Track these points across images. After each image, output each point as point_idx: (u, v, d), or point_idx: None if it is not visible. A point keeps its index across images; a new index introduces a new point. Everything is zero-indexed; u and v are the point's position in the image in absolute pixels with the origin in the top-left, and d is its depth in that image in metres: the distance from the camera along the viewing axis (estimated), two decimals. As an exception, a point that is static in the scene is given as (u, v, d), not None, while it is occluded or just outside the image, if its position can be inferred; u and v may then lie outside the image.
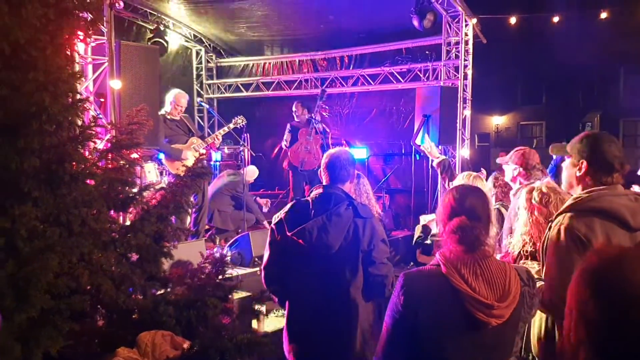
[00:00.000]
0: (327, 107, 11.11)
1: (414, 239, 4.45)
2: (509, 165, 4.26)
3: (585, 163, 2.60)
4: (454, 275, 2.12)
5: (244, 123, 7.68)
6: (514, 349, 2.25)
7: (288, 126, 8.69)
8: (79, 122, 2.91)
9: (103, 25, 5.11)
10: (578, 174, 2.63)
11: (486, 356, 2.17)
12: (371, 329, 3.24)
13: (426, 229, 4.39)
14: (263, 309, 3.86)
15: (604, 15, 9.67)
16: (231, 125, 7.60)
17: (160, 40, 9.49)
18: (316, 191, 3.33)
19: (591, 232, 2.47)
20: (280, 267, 3.29)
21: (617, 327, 1.18)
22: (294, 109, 8.77)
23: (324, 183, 3.37)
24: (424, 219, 4.55)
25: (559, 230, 2.54)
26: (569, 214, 2.56)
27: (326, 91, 9.06)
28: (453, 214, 2.26)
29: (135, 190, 3.32)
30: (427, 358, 2.20)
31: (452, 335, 2.14)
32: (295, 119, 8.73)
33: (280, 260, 3.28)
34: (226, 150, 10.10)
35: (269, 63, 11.54)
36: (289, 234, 3.15)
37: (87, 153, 2.98)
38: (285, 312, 3.38)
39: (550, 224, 2.69)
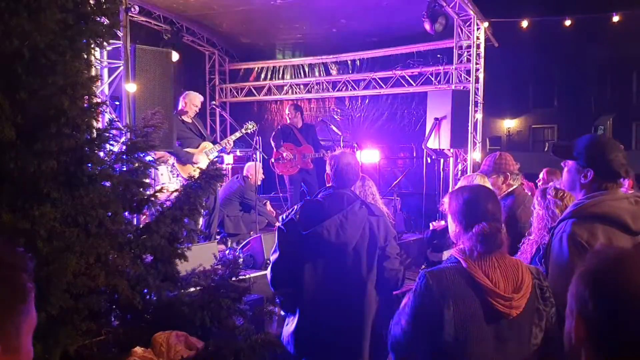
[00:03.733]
0: (339, 110, 11.15)
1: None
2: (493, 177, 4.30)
3: (592, 171, 2.59)
4: (476, 270, 2.21)
5: (254, 128, 7.70)
6: (534, 341, 2.30)
7: (280, 126, 8.68)
8: (96, 125, 2.96)
9: (119, 30, 5.17)
10: (583, 180, 2.62)
11: (505, 347, 2.24)
12: (379, 323, 3.30)
13: (435, 232, 4.53)
14: (276, 310, 3.89)
15: (616, 18, 9.62)
16: (242, 131, 7.62)
17: (174, 44, 9.57)
18: (325, 192, 3.38)
19: (593, 238, 2.47)
20: (292, 268, 3.30)
21: (617, 327, 1.20)
22: (286, 111, 8.78)
23: (331, 184, 3.41)
24: (432, 224, 4.68)
25: (561, 237, 2.55)
26: (570, 221, 2.56)
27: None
28: (475, 216, 2.33)
29: (149, 192, 3.36)
30: (450, 353, 2.26)
31: (474, 328, 2.22)
32: (288, 121, 8.75)
33: (292, 260, 3.29)
34: (238, 153, 10.14)
35: (281, 67, 11.60)
36: (305, 232, 3.18)
37: (103, 155, 3.02)
38: (296, 315, 3.35)
39: (552, 230, 2.70)
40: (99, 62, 5.37)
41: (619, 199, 2.57)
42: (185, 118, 7.04)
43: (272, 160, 8.33)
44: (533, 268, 2.40)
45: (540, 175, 5.63)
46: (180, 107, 7.05)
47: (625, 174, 2.61)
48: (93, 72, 3.26)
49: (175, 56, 8.67)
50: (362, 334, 3.28)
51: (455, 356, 2.26)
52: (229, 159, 9.81)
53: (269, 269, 3.39)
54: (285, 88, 11.35)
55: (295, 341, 3.31)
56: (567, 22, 10.22)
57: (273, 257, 3.35)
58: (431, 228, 4.60)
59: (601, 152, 2.60)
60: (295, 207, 3.34)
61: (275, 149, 8.36)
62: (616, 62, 22.61)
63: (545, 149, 23.94)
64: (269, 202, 8.67)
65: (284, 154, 8.30)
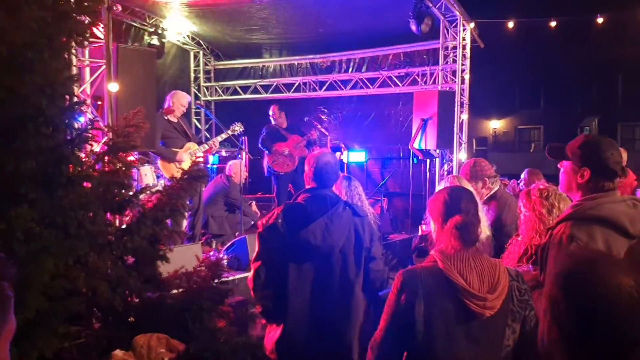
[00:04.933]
0: (325, 110, 11.13)
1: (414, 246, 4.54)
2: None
3: (588, 171, 2.58)
4: (451, 270, 2.24)
5: (241, 130, 7.65)
6: (506, 343, 2.32)
7: (265, 129, 8.67)
8: (76, 125, 2.92)
9: (101, 29, 5.11)
10: (580, 180, 2.60)
11: (476, 348, 2.26)
12: (365, 326, 3.28)
13: (423, 237, 4.50)
14: (258, 312, 3.86)
15: (600, 20, 9.70)
16: (229, 132, 7.57)
17: (158, 43, 9.49)
18: (305, 194, 3.33)
19: (592, 240, 2.46)
20: (276, 276, 3.23)
21: (587, 329, 1.20)
22: (270, 112, 8.75)
23: (312, 186, 3.36)
24: (421, 228, 4.64)
25: (561, 239, 2.53)
26: (570, 223, 2.55)
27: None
28: (449, 213, 2.37)
29: (131, 193, 3.32)
30: (421, 350, 2.28)
31: (445, 327, 2.25)
32: (273, 122, 8.73)
33: (276, 268, 3.22)
34: (224, 154, 10.09)
35: (268, 66, 11.56)
36: (289, 238, 3.13)
37: (83, 155, 2.98)
38: (279, 322, 3.30)
39: (550, 231, 2.69)
40: (80, 61, 5.31)
41: (617, 201, 2.56)
42: (171, 117, 6.98)
43: (269, 163, 8.32)
44: (512, 270, 2.42)
45: (522, 176, 5.67)
46: (166, 106, 6.98)
47: (622, 172, 2.61)
48: (73, 71, 3.21)
49: (159, 55, 8.63)
50: (351, 337, 3.23)
51: (425, 355, 2.28)
52: (214, 159, 9.76)
53: (251, 277, 3.32)
54: (271, 88, 11.31)
55: (280, 350, 3.25)
56: (553, 24, 10.28)
57: (255, 265, 3.29)
58: (420, 233, 4.56)
59: (596, 151, 2.58)
60: (276, 212, 3.27)
61: (268, 152, 8.35)
62: (601, 63, 22.80)
63: (531, 150, 24.10)
64: (254, 202, 8.63)
65: (281, 152, 8.30)
